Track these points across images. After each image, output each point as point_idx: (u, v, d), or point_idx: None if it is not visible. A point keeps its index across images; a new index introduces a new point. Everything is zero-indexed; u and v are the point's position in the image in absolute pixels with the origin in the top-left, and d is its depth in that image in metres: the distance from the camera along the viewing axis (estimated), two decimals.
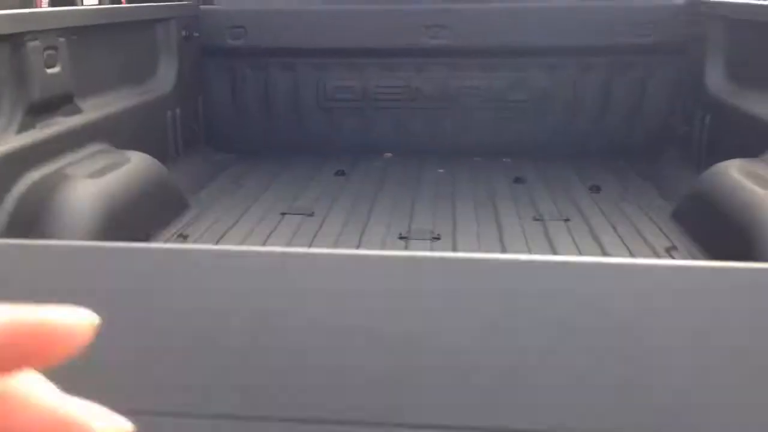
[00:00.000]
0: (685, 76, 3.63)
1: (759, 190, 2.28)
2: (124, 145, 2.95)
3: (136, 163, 2.76)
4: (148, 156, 2.87)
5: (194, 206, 3.17)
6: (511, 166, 3.82)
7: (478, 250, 2.61)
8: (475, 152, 4.01)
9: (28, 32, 2.45)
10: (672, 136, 3.67)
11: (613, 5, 3.77)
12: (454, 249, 2.64)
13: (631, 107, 3.83)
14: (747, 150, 2.72)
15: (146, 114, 3.33)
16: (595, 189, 3.39)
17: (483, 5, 3.85)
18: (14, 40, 2.40)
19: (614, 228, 2.84)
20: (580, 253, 2.57)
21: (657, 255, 2.54)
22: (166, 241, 2.73)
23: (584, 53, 3.76)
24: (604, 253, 2.56)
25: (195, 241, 2.74)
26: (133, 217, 2.60)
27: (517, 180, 3.56)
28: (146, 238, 2.67)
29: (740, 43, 3.22)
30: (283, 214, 3.08)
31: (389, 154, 4.05)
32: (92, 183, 2.46)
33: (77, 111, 2.78)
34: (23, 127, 2.43)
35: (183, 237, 2.79)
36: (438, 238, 2.75)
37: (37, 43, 2.48)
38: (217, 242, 2.72)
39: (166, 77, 3.63)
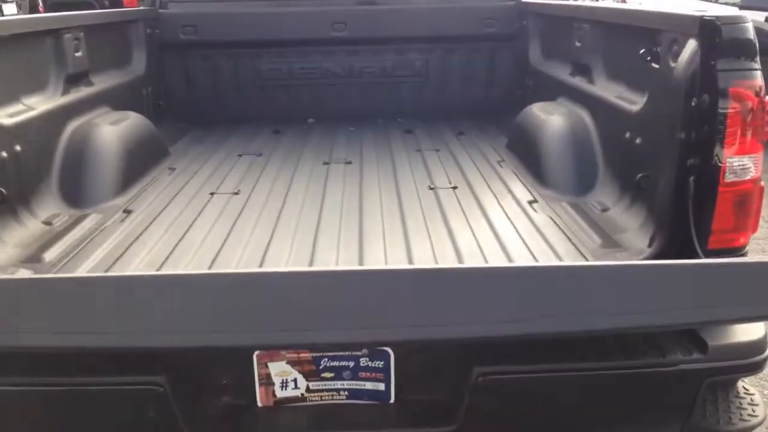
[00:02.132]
0: (517, 55, 5.11)
1: (544, 117, 3.72)
2: (120, 110, 4.11)
3: (134, 119, 3.94)
4: (140, 115, 4.04)
5: (173, 153, 4.36)
6: (404, 123, 5.20)
7: (377, 169, 3.94)
8: (377, 116, 5.36)
9: (64, 28, 3.60)
10: (512, 97, 5.15)
11: (466, 5, 5.21)
12: (361, 169, 3.96)
13: (485, 79, 5.29)
14: (549, 97, 4.19)
15: (130, 89, 4.48)
16: (460, 133, 4.81)
17: (372, 7, 5.21)
18: (56, 34, 3.55)
19: (466, 152, 4.25)
20: (441, 163, 3.95)
21: (489, 163, 3.97)
22: (162, 170, 3.93)
23: (448, 41, 5.19)
24: (459, 167, 3.95)
25: (181, 171, 3.94)
26: (139, 153, 3.78)
27: (407, 131, 4.93)
28: (148, 168, 3.86)
29: (548, 31, 4.71)
30: (240, 155, 4.32)
31: (312, 120, 5.34)
32: (113, 128, 3.64)
33: (91, 84, 3.93)
34: (64, 92, 3.58)
35: (171, 169, 3.99)
36: (350, 163, 4.07)
37: (69, 35, 3.63)
38: (198, 169, 3.94)
39: (138, 64, 4.79)
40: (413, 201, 3.33)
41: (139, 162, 3.77)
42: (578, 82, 3.81)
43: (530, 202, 3.26)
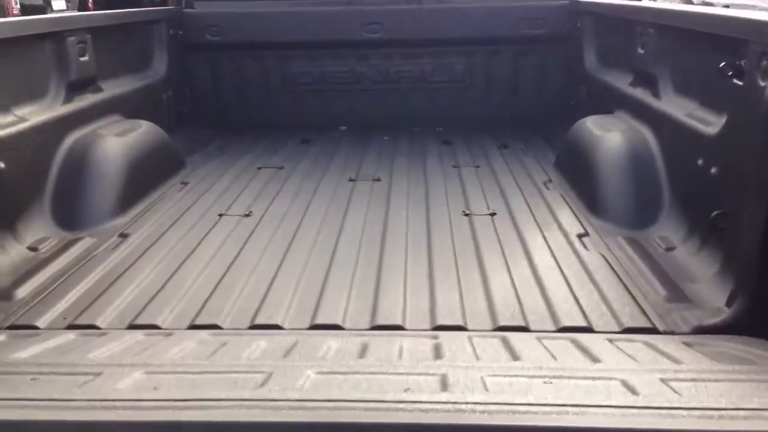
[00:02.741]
0: (570, 60, 4.61)
1: (599, 133, 3.24)
2: (133, 118, 3.81)
3: (146, 128, 3.62)
4: (153, 124, 3.73)
5: (190, 164, 4.04)
6: (442, 133, 4.77)
7: (407, 189, 3.53)
8: (413, 124, 4.95)
9: (66, 30, 3.30)
10: (563, 107, 4.65)
11: (513, 4, 4.74)
12: (390, 188, 3.56)
13: (533, 85, 4.81)
14: (605, 110, 3.70)
15: (147, 94, 4.18)
16: (503, 146, 4.35)
17: (410, 6, 4.79)
18: (57, 37, 3.25)
19: (511, 171, 3.80)
20: (480, 184, 3.51)
21: (535, 184, 3.50)
22: (173, 185, 3.60)
23: (493, 43, 4.73)
24: (499, 188, 3.50)
25: (193, 187, 3.61)
26: (147, 167, 3.46)
27: (445, 143, 4.50)
28: (158, 183, 3.54)
29: (605, 34, 4.21)
30: (259, 168, 3.97)
31: (344, 127, 4.96)
32: (118, 140, 3.33)
33: (99, 90, 3.63)
34: (66, 101, 3.28)
35: (184, 183, 3.66)
36: (378, 180, 3.67)
37: (73, 38, 3.33)
38: (211, 185, 3.59)
39: (159, 67, 4.49)
40: (444, 231, 2.91)
41: (147, 177, 3.45)
42: (640, 94, 3.32)
43: (580, 236, 2.80)
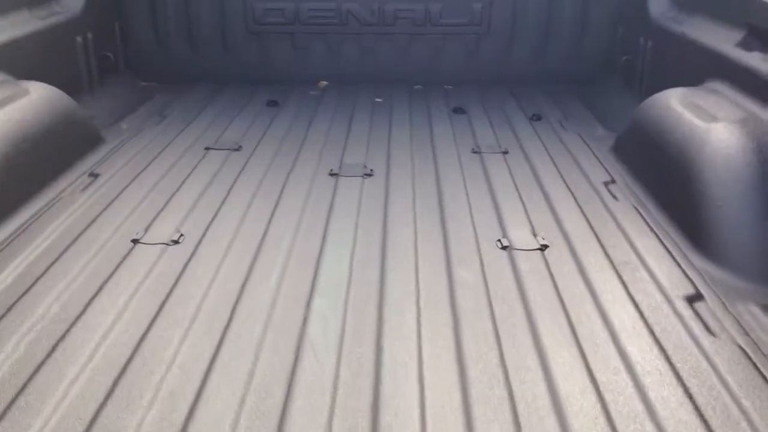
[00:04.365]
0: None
1: (700, 123, 2.19)
2: (27, 76, 2.68)
3: (35, 96, 2.50)
4: (50, 87, 2.60)
5: (111, 140, 2.93)
6: (452, 94, 3.67)
7: (412, 188, 2.48)
8: (414, 80, 3.84)
9: None
10: (613, 63, 3.56)
11: None
12: (387, 186, 2.50)
13: (573, 32, 3.69)
14: (688, 78, 2.63)
15: (51, 40, 3.02)
16: (536, 118, 3.28)
17: None
18: None
19: (553, 160, 2.75)
20: (517, 189, 2.46)
21: (593, 188, 2.46)
22: (75, 180, 2.51)
23: None
24: (543, 195, 2.46)
25: (106, 181, 2.52)
26: (35, 156, 2.36)
27: (457, 110, 3.41)
28: (52, 178, 2.45)
29: None
30: (208, 148, 2.88)
31: (324, 83, 3.84)
32: None
33: None
34: None
35: (93, 176, 2.56)
36: (370, 175, 2.61)
37: None
38: (129, 183, 2.50)
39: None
40: (472, 276, 1.88)
41: (32, 171, 2.36)
42: (758, 61, 2.25)
43: (691, 301, 1.78)
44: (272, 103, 3.50)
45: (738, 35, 2.46)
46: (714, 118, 2.19)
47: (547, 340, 1.62)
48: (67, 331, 1.65)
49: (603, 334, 1.64)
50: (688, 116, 2.27)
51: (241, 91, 3.67)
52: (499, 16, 3.69)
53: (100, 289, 1.82)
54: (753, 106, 2.19)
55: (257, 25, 3.75)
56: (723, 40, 2.53)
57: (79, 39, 3.24)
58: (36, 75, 2.68)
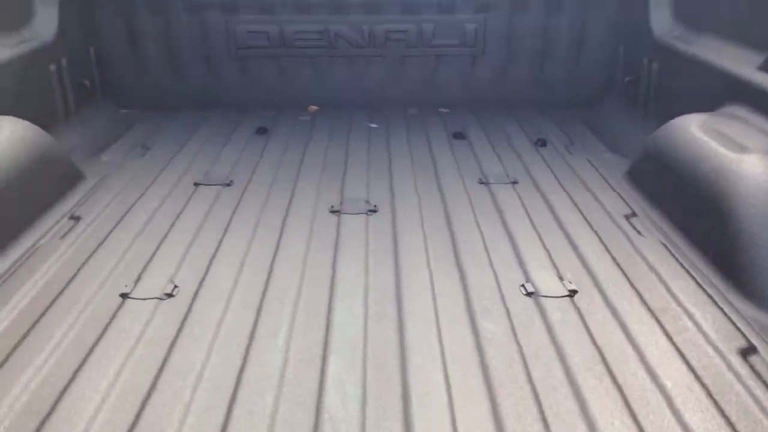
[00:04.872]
0: (626, 16, 3.37)
1: (731, 155, 2.06)
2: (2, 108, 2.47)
3: (7, 132, 2.29)
4: (23, 122, 2.39)
5: (91, 176, 2.72)
6: (450, 118, 3.52)
7: (421, 227, 2.31)
8: (408, 103, 3.68)
9: None
10: (613, 84, 3.45)
11: None
12: (394, 223, 2.33)
13: (571, 52, 3.56)
14: (703, 102, 2.51)
15: (22, 69, 2.80)
16: (541, 143, 3.14)
17: None
18: None
19: (566, 191, 2.60)
20: (533, 223, 2.31)
21: (615, 223, 2.32)
22: (54, 225, 2.29)
23: None
24: (558, 222, 2.31)
25: (89, 225, 2.31)
26: (9, 200, 2.15)
27: (457, 135, 3.26)
28: (29, 223, 2.23)
29: None
30: (197, 184, 2.68)
31: (315, 107, 3.66)
32: None
33: None
34: None
35: (74, 219, 2.35)
36: (375, 211, 2.43)
37: None
38: (114, 227, 2.29)
39: (45, 23, 3.08)
40: (500, 330, 1.72)
41: (6, 215, 2.14)
42: None
43: (743, 352, 1.64)
44: (261, 131, 3.31)
45: (758, 57, 2.35)
46: (743, 148, 2.06)
47: (594, 408, 1.45)
48: (52, 409, 1.45)
49: (655, 398, 1.48)
50: (715, 146, 2.14)
51: (227, 118, 3.48)
52: (493, 37, 3.55)
53: (86, 358, 1.62)
54: None
55: (241, 49, 3.56)
56: (741, 62, 2.41)
57: (52, 67, 3.03)
58: (7, 108, 2.47)
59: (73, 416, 1.44)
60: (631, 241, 2.18)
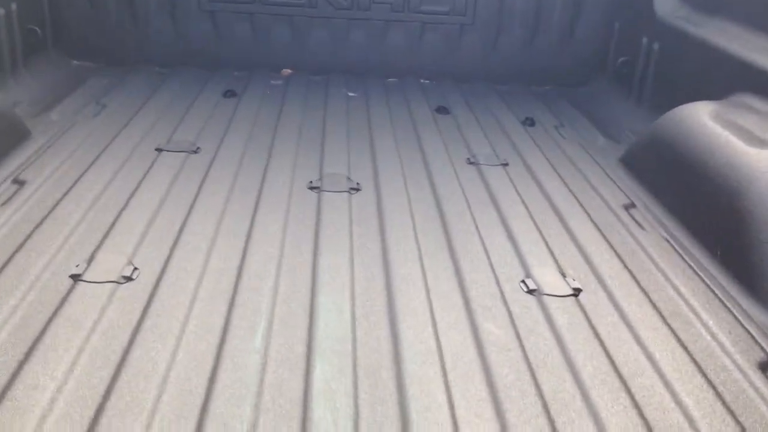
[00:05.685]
0: None
1: (748, 149, 1.91)
2: None
3: None
4: None
5: (38, 135, 2.44)
6: (431, 90, 3.31)
7: (409, 210, 2.11)
8: (389, 72, 3.46)
9: None
10: (605, 64, 3.28)
11: None
12: (379, 206, 2.13)
13: (564, 25, 3.38)
14: (710, 89, 2.37)
15: None
16: (529, 122, 2.96)
17: None
18: None
19: (560, 176, 2.44)
20: (529, 212, 2.14)
21: (614, 213, 2.16)
22: None
23: None
24: (555, 211, 2.15)
25: (35, 191, 2.05)
26: None
27: (440, 110, 3.06)
28: None
29: None
30: (159, 149, 2.43)
31: (288, 71, 3.41)
32: None
33: None
34: None
35: (18, 183, 2.08)
36: (358, 189, 2.23)
37: None
38: (64, 194, 2.04)
39: None
40: (503, 332, 1.55)
41: None
42: None
43: (762, 366, 1.51)
44: (230, 94, 3.05)
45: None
46: (763, 143, 1.92)
47: (612, 427, 1.30)
48: None
49: (677, 417, 1.34)
50: (730, 137, 1.99)
51: (193, 77, 3.21)
52: (484, 5, 3.35)
53: (30, 351, 1.39)
54: None
55: (211, 2, 3.27)
56: (757, 48, 2.27)
57: (1, 10, 2.70)
58: None
59: (12, 427, 1.22)
60: (633, 236, 2.03)
